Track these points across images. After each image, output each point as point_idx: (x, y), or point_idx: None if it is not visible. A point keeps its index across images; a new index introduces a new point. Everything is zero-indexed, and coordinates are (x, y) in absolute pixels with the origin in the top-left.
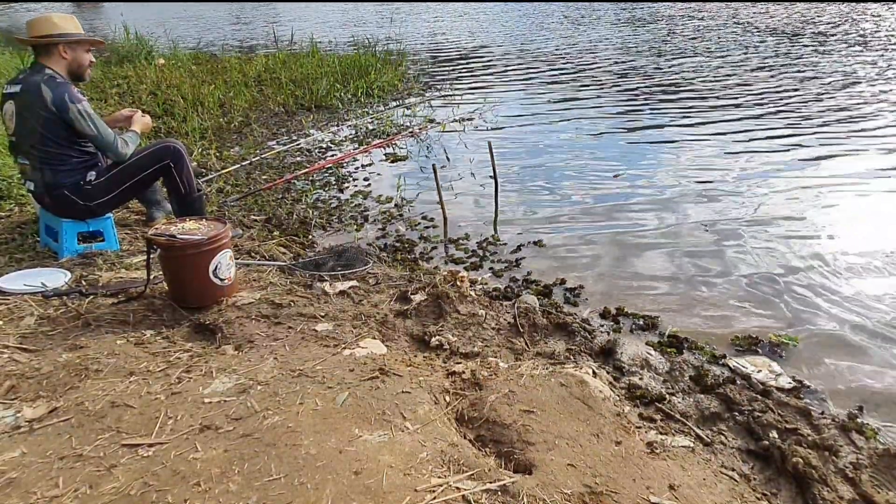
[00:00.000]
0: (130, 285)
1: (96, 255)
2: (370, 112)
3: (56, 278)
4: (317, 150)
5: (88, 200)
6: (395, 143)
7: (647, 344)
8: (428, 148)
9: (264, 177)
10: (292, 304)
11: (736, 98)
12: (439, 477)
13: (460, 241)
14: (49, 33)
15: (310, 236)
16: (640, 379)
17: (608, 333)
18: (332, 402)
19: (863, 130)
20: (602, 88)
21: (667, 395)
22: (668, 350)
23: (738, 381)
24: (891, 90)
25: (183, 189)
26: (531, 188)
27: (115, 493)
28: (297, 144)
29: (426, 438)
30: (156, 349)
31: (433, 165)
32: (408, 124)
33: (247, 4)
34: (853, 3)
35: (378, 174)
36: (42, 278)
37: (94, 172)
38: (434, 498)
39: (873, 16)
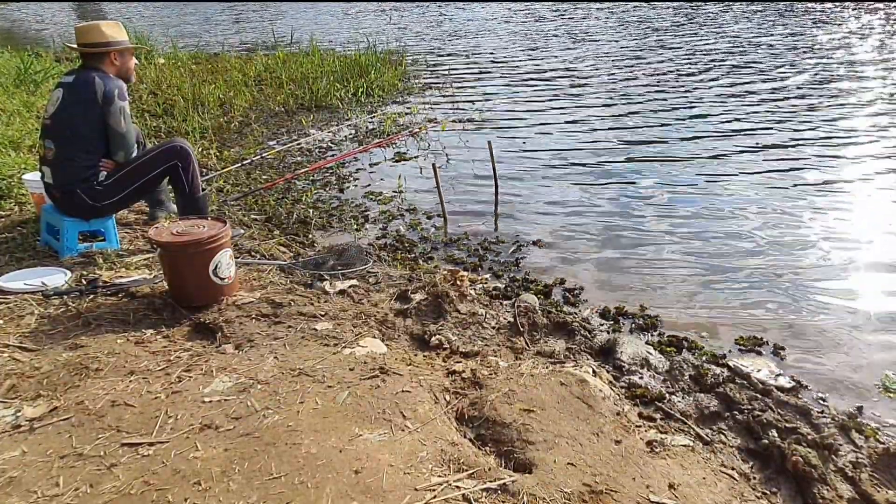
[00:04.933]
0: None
1: (97, 254)
2: (370, 112)
3: (56, 277)
4: (317, 150)
5: (97, 200)
6: (395, 143)
7: (646, 343)
8: (428, 148)
9: (264, 176)
10: (292, 303)
11: (744, 100)
12: (439, 476)
13: (460, 241)
14: (99, 41)
15: (310, 236)
16: (640, 378)
17: (608, 333)
18: (332, 402)
19: (866, 132)
20: (605, 89)
21: (666, 395)
22: (668, 349)
23: (738, 381)
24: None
25: (188, 189)
26: (531, 188)
27: (115, 492)
28: (298, 144)
29: (426, 437)
30: (156, 348)
31: (433, 165)
32: (408, 124)
33: (247, 4)
34: None
35: (378, 174)
36: (42, 277)
37: (104, 173)
38: (434, 497)
39: None
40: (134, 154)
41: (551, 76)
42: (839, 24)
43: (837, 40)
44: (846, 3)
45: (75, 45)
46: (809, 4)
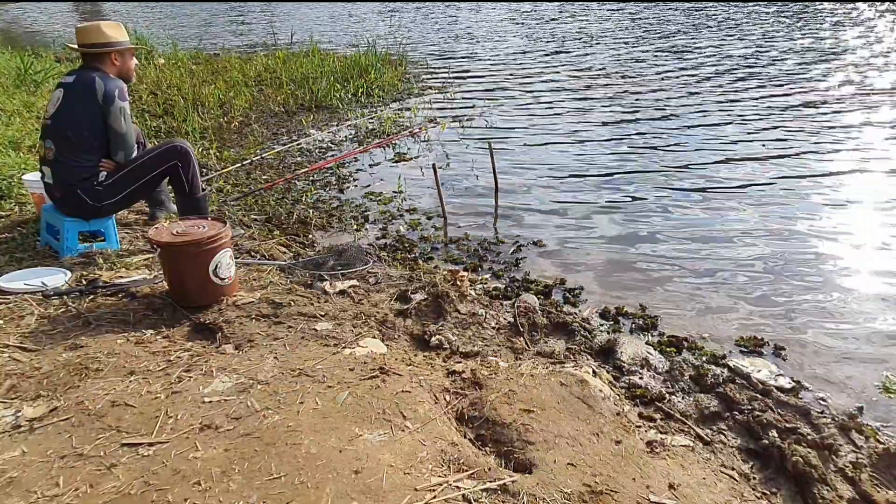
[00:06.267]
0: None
1: (97, 254)
2: (370, 112)
3: (56, 277)
4: (317, 150)
5: (97, 201)
6: (395, 143)
7: (646, 343)
8: (428, 148)
9: (264, 177)
10: (292, 303)
11: (748, 104)
12: (439, 476)
13: (460, 241)
14: (100, 42)
15: (310, 236)
16: (640, 378)
17: (608, 333)
18: (332, 402)
19: (872, 137)
20: (609, 91)
21: (666, 395)
22: (668, 349)
23: (738, 381)
24: None
25: (188, 189)
26: (531, 188)
27: (115, 492)
28: (297, 144)
29: (426, 438)
30: (156, 348)
31: (433, 165)
32: (408, 124)
33: (247, 5)
34: None
35: (378, 174)
36: (42, 278)
37: (104, 173)
38: (434, 497)
39: None
40: (134, 155)
41: (554, 78)
42: (855, 27)
43: (854, 44)
44: (862, 4)
45: (76, 46)
46: (826, 5)
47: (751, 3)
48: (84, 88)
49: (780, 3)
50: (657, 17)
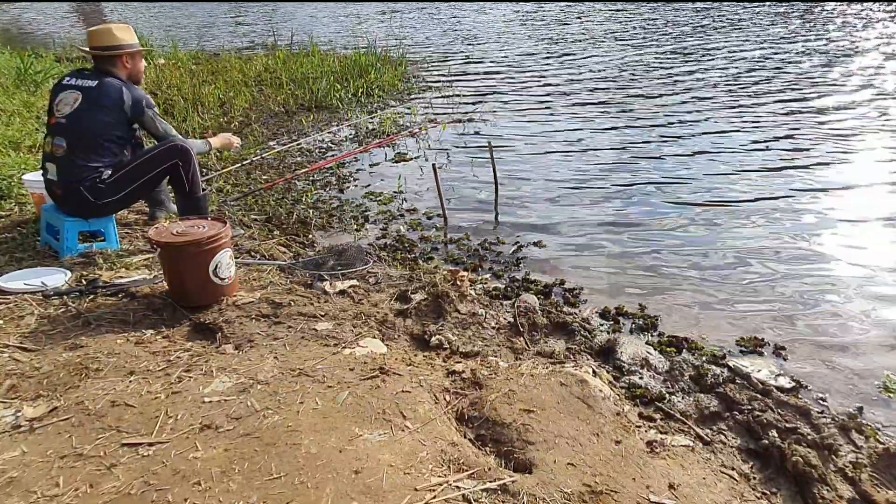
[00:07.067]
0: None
1: (97, 254)
2: (370, 112)
3: (56, 278)
4: (317, 151)
5: (99, 198)
6: (395, 143)
7: (646, 343)
8: (428, 148)
9: (264, 177)
10: (292, 303)
11: (743, 101)
12: (439, 476)
13: (460, 241)
14: (111, 45)
15: (310, 236)
16: (640, 378)
17: (608, 333)
18: (332, 402)
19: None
20: (609, 92)
21: (666, 395)
22: (668, 349)
23: (738, 381)
24: None
25: (188, 188)
26: (531, 188)
27: (115, 492)
28: (298, 144)
29: (426, 437)
30: (156, 348)
31: (433, 165)
32: (408, 124)
33: (247, 5)
34: None
35: (378, 174)
36: (42, 278)
37: (109, 171)
38: (434, 497)
39: None
40: (181, 143)
41: (557, 79)
42: (865, 29)
43: (865, 46)
44: (871, 4)
45: (87, 49)
46: (835, 6)
47: (757, 4)
48: (107, 96)
49: (786, 4)
50: (662, 18)
